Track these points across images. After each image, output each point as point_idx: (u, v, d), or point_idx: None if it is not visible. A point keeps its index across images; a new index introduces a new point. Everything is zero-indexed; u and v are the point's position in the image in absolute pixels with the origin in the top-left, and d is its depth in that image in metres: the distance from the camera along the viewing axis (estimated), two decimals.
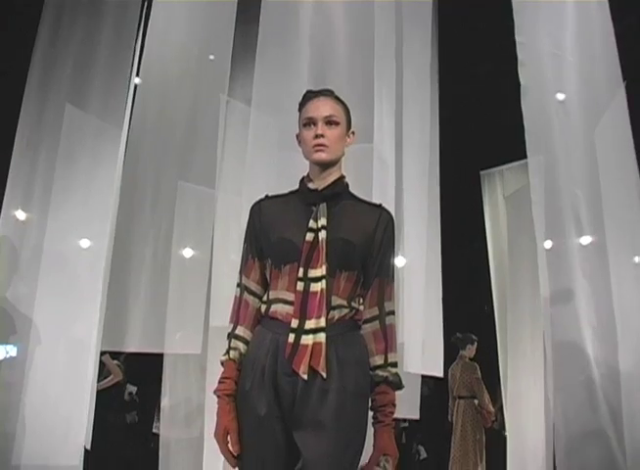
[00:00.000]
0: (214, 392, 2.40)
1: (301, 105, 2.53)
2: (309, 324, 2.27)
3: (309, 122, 2.46)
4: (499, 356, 7.00)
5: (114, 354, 6.75)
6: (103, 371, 6.47)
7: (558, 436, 3.62)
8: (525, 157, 6.46)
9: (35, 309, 4.61)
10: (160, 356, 5.37)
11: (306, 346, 2.26)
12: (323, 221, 2.37)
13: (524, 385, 6.44)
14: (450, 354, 6.48)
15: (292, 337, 2.28)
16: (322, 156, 2.42)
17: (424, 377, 4.64)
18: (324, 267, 2.31)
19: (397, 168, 4.48)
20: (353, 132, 2.55)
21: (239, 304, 2.46)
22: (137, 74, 4.82)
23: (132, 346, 4.57)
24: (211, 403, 4.80)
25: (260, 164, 4.18)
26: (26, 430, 4.47)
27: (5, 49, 5.96)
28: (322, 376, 2.26)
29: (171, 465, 5.54)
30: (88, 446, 4.46)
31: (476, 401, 7.34)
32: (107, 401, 6.09)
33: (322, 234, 2.34)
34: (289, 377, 2.28)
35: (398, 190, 4.46)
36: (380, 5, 4.15)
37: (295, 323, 2.29)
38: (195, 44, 4.86)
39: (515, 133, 4.94)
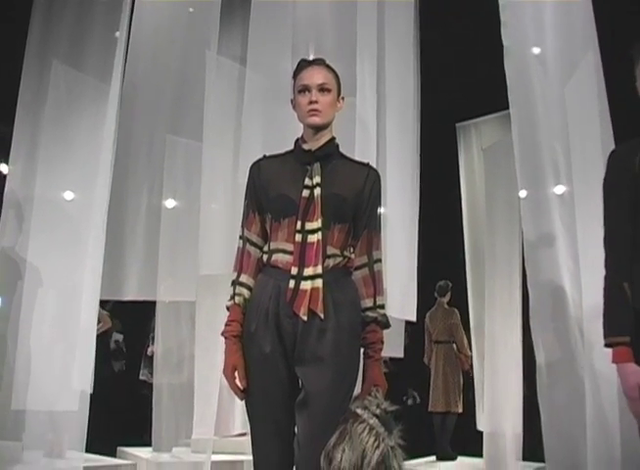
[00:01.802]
0: (222, 333, 2.63)
1: (296, 73, 2.74)
2: (307, 271, 2.53)
3: (304, 89, 2.68)
4: (472, 302, 7.26)
5: (102, 303, 6.90)
6: None
7: (540, 370, 3.79)
8: (499, 110, 6.60)
9: (29, 259, 4.77)
10: (146, 305, 5.54)
11: (305, 290, 2.51)
12: (317, 179, 2.61)
13: (499, 329, 6.61)
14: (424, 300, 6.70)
15: (292, 283, 2.53)
16: (316, 120, 2.65)
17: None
18: (319, 220, 2.56)
19: (380, 122, 4.66)
20: (343, 98, 2.78)
21: (242, 254, 2.70)
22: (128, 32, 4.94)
23: (129, 294, 4.72)
24: (201, 349, 5.03)
25: (254, 120, 4.34)
26: (25, 376, 4.66)
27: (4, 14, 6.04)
28: (320, 317, 2.52)
29: (164, 409, 5.76)
30: (90, 391, 4.60)
31: (454, 346, 7.67)
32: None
33: (317, 191, 2.59)
34: (290, 319, 2.53)
35: (381, 143, 4.65)
36: None
37: (294, 271, 2.54)
38: (183, 1, 4.97)
39: (490, 86, 5.07)
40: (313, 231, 2.55)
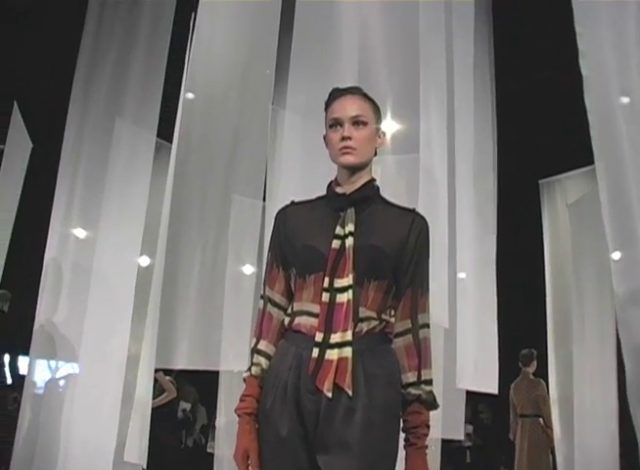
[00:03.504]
0: (235, 410, 2.27)
1: (327, 104, 2.37)
2: (335, 338, 2.11)
3: (335, 123, 2.30)
4: (555, 372, 6.97)
5: (166, 372, 6.78)
6: (156, 388, 6.45)
7: None
8: (583, 165, 6.31)
9: (76, 327, 4.75)
10: (214, 374, 5.32)
11: (331, 361, 2.10)
12: (350, 227, 2.21)
13: (590, 401, 6.23)
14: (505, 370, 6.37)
15: (315, 351, 2.12)
16: (350, 159, 2.26)
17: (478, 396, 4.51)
18: (351, 276, 2.16)
19: (450, 179, 4.30)
20: (384, 133, 2.39)
21: (262, 316, 2.32)
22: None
23: (182, 362, 4.51)
24: None
25: (297, 169, 4.07)
26: (66, 445, 4.65)
27: (49, 68, 6.10)
28: (348, 394, 2.09)
29: None
30: (144, 465, 4.44)
31: (541, 420, 7.09)
32: (160, 419, 6.07)
33: (349, 241, 2.19)
34: (312, 395, 2.11)
35: (451, 202, 4.29)
36: (425, 4, 3.97)
37: (319, 337, 2.13)
38: (239, 55, 4.79)
39: (572, 142, 4.74)
40: (343, 289, 2.14)
